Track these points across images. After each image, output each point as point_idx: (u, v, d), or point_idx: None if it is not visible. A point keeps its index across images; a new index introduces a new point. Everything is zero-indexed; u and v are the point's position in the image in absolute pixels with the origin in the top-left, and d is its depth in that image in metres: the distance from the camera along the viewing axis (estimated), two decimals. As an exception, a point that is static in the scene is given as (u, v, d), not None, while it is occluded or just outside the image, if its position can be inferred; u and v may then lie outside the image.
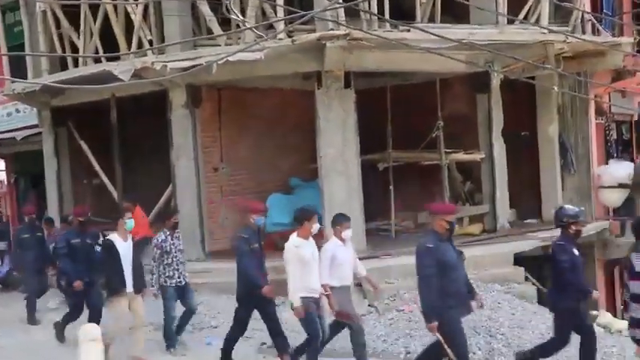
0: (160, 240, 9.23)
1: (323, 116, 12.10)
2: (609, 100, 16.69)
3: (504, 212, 14.06)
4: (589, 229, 14.23)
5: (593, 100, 15.71)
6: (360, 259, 11.29)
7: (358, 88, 12.41)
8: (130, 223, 8.91)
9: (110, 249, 8.81)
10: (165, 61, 11.75)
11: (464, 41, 10.76)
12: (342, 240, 8.45)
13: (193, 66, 10.68)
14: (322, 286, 8.16)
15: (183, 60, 11.66)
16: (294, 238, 8.15)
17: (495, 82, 13.62)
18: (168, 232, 9.29)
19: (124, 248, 8.85)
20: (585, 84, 15.26)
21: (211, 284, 11.16)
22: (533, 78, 14.04)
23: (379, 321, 10.09)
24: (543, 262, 13.53)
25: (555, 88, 14.10)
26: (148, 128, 13.81)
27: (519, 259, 12.22)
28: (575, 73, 14.25)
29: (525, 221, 15.10)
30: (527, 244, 12.74)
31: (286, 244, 8.17)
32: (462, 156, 14.48)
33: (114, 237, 8.89)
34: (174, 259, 9.21)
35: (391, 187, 13.98)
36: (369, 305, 10.43)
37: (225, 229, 13.55)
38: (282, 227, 13.37)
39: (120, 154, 14.09)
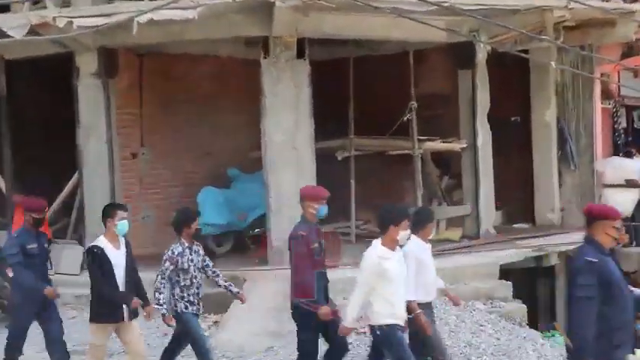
0: (175, 253, 8.51)
1: (270, 92, 12.08)
2: (618, 81, 16.95)
3: (489, 214, 14.25)
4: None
5: (598, 80, 15.93)
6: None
7: (314, 58, 12.41)
8: (123, 225, 8.30)
9: (100, 259, 8.17)
10: (70, 17, 11.49)
11: (444, 4, 10.82)
12: (427, 240, 8.32)
13: (107, 23, 10.58)
14: (408, 304, 7.76)
15: (94, 16, 11.47)
16: (377, 246, 7.57)
17: (481, 55, 13.75)
18: (186, 245, 8.61)
19: (117, 257, 8.24)
20: (590, 60, 15.42)
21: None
22: (526, 51, 14.12)
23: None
24: (536, 276, 13.84)
25: (553, 64, 14.22)
26: (47, 101, 13.62)
27: (507, 272, 12.38)
28: (578, 46, 14.43)
29: (515, 226, 15.32)
30: (516, 253, 12.92)
31: (366, 253, 7.63)
32: (438, 145, 14.58)
33: (102, 242, 8.26)
34: (195, 281, 8.57)
35: (352, 182, 14.04)
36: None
37: (145, 230, 13.50)
38: (216, 229, 13.40)
39: (10, 133, 13.85)
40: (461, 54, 13.89)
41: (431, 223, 8.46)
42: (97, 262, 8.23)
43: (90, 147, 12.87)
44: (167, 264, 8.49)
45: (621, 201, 14.71)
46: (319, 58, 12.90)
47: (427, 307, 8.21)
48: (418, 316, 7.87)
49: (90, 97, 12.81)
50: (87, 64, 12.73)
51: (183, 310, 8.50)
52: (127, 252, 8.38)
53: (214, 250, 13.44)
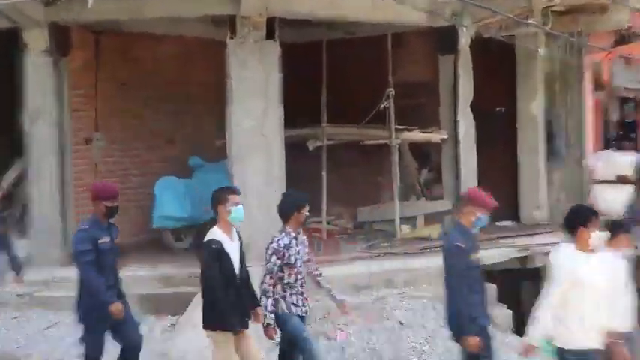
0: (282, 245, 7.95)
1: (236, 76, 11.97)
2: (610, 70, 16.96)
3: (471, 211, 14.17)
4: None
5: (589, 70, 15.95)
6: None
7: (285, 40, 12.32)
8: (237, 211, 7.71)
9: (219, 254, 7.55)
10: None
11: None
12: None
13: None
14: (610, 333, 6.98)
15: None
16: (565, 246, 7.08)
17: (464, 40, 13.69)
18: (292, 235, 8.08)
19: (233, 251, 7.71)
20: (580, 48, 15.48)
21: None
22: (513, 37, 14.15)
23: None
24: (521, 278, 13.78)
25: (541, 51, 14.28)
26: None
27: (489, 274, 12.29)
28: (568, 33, 14.41)
29: (498, 224, 15.25)
30: (500, 253, 12.90)
31: (553, 253, 7.19)
32: (417, 135, 14.55)
33: (218, 234, 7.62)
34: (299, 277, 8.06)
35: (324, 174, 14.00)
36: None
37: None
38: (175, 223, 13.25)
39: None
40: (443, 39, 13.86)
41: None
42: (215, 259, 7.53)
43: (38, 131, 12.61)
44: (273, 258, 7.89)
45: (610, 197, 14.90)
46: (290, 41, 12.81)
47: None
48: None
49: (39, 76, 12.59)
50: (36, 40, 12.52)
51: (285, 310, 7.98)
52: (240, 244, 7.86)
53: (172, 246, 13.31)
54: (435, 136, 14.32)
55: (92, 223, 8.16)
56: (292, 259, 7.96)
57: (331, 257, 12.34)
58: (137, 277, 11.26)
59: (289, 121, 12.55)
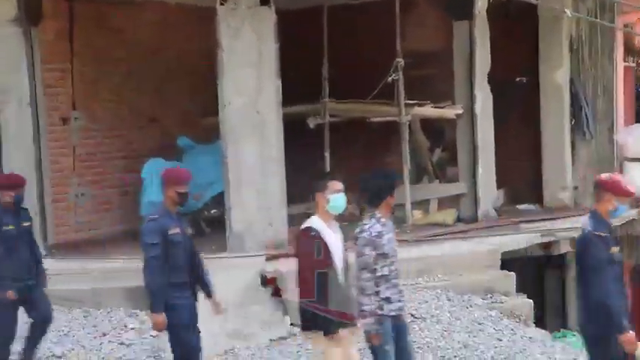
0: (373, 234, 7.66)
1: (227, 46, 12.06)
2: (644, 34, 17.08)
3: (489, 193, 14.33)
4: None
5: (620, 34, 16.02)
6: (277, 257, 11.50)
7: (281, 6, 12.38)
8: (337, 199, 7.73)
9: (319, 244, 7.56)
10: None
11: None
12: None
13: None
14: None
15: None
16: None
17: (481, 3, 13.81)
18: (383, 220, 7.84)
19: (334, 243, 7.66)
20: (611, 7, 15.52)
21: (55, 293, 11.01)
22: (535, -2, 14.30)
23: (305, 346, 10.22)
24: (544, 266, 13.94)
25: (568, 12, 14.27)
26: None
27: (509, 262, 12.47)
28: (597, -8, 14.58)
29: (519, 207, 15.44)
30: (521, 239, 13.00)
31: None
32: (429, 110, 14.63)
33: (317, 223, 7.65)
34: (393, 269, 7.78)
35: (326, 154, 14.11)
36: (291, 324, 10.56)
37: (80, 211, 13.55)
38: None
39: None
40: (456, 2, 13.97)
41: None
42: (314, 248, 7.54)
43: (9, 111, 12.77)
44: (367, 250, 7.59)
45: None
46: (287, 7, 12.84)
47: None
48: None
49: (8, 49, 12.70)
50: (2, 7, 12.60)
51: (377, 310, 7.62)
52: (342, 236, 7.84)
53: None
54: (449, 112, 14.37)
55: (162, 212, 8.11)
56: (386, 248, 7.68)
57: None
58: (123, 268, 11.36)
59: (287, 97, 12.56)
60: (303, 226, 7.68)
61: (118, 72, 14.39)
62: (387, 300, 7.64)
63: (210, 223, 13.94)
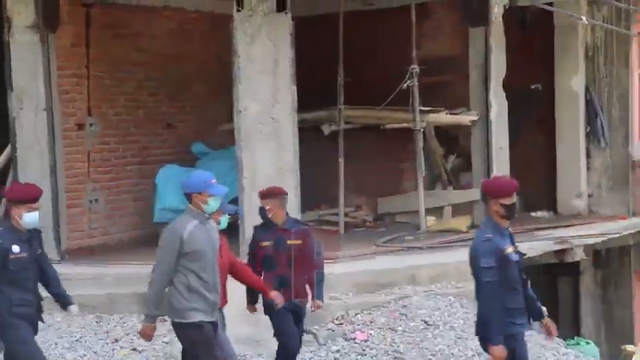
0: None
1: (244, 53, 12.07)
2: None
3: (504, 201, 14.28)
4: (622, 228, 14.63)
5: (636, 41, 15.97)
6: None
7: (298, 13, 12.42)
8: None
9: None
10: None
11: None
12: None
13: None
14: None
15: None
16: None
17: (497, 10, 13.79)
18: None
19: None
20: (627, 15, 15.50)
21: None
22: (551, 5, 14.24)
23: (319, 353, 10.25)
24: (558, 274, 13.91)
25: (584, 19, 14.25)
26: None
27: (524, 269, 12.46)
28: (613, -1, 14.53)
29: (534, 214, 15.44)
30: (534, 247, 12.96)
31: None
32: (444, 117, 14.67)
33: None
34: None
35: (341, 161, 14.13)
36: (304, 331, 10.57)
37: (94, 216, 13.59)
38: (178, 214, 13.38)
39: None
40: (472, 9, 13.94)
41: None
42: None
43: (25, 116, 12.80)
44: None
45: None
46: (304, 14, 12.93)
47: None
48: None
49: (25, 55, 12.74)
50: (21, 14, 12.66)
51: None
52: None
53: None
54: (464, 118, 14.35)
55: (493, 230, 7.30)
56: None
57: (349, 252, 12.47)
58: (137, 274, 11.29)
59: (302, 103, 12.58)
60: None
61: (134, 78, 14.43)
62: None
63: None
